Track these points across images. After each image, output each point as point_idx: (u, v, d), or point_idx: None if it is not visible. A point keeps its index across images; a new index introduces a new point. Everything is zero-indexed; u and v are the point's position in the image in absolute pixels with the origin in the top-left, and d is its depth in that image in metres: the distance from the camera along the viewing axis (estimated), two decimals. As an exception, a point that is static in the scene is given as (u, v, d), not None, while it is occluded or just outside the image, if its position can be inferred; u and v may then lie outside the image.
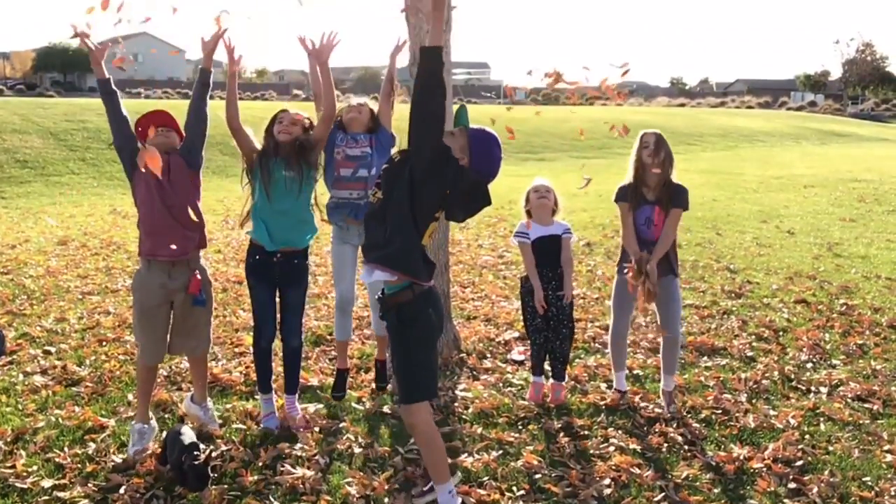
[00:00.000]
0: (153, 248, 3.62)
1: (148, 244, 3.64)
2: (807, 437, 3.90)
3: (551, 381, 4.41)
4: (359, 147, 4.13)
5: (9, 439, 3.77)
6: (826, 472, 3.52)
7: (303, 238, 3.84)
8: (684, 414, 4.15)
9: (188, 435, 3.35)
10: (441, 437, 3.16)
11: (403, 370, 3.04)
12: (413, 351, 3.00)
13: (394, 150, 3.34)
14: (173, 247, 3.57)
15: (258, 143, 3.84)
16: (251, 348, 4.34)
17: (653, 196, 4.14)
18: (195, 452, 3.21)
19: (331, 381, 4.54)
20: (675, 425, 4.01)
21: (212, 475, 3.27)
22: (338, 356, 4.43)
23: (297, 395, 4.06)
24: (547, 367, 4.45)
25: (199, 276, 3.67)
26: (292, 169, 3.71)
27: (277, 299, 3.91)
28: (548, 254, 4.30)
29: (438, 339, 3.21)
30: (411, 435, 3.45)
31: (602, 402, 4.29)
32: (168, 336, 3.75)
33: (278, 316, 3.94)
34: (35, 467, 3.49)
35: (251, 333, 4.22)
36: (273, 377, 4.00)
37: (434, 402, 4.22)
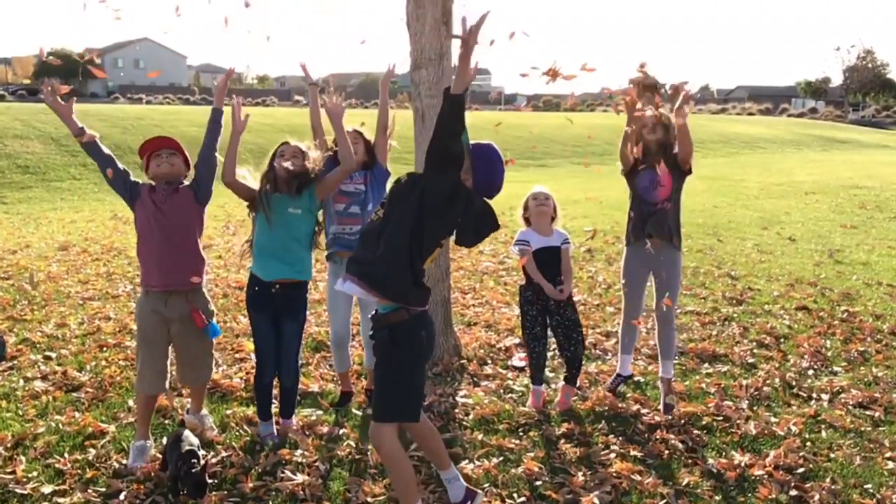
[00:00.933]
0: (150, 276, 3.66)
1: (145, 272, 3.68)
2: (808, 444, 3.89)
3: (562, 384, 4.41)
4: (353, 183, 4.15)
5: (9, 445, 3.76)
6: (828, 480, 3.51)
7: (301, 271, 3.82)
8: (681, 411, 4.14)
9: (187, 442, 3.34)
10: (409, 461, 3.04)
11: (384, 388, 2.96)
12: (398, 371, 2.93)
13: (390, 182, 3.31)
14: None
15: (252, 180, 3.84)
16: (252, 354, 4.34)
17: (656, 161, 4.17)
18: (192, 460, 3.21)
19: (331, 386, 4.56)
20: (676, 432, 4.00)
21: (210, 482, 3.26)
22: (340, 382, 4.47)
23: (292, 419, 4.02)
24: (549, 373, 4.44)
25: (199, 310, 3.68)
26: (294, 203, 3.73)
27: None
28: (548, 264, 4.30)
29: (427, 363, 3.15)
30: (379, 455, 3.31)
31: (602, 409, 4.28)
32: (167, 368, 3.76)
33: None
34: (35, 473, 3.49)
35: (251, 340, 4.21)
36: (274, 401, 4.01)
37: (434, 409, 4.23)
